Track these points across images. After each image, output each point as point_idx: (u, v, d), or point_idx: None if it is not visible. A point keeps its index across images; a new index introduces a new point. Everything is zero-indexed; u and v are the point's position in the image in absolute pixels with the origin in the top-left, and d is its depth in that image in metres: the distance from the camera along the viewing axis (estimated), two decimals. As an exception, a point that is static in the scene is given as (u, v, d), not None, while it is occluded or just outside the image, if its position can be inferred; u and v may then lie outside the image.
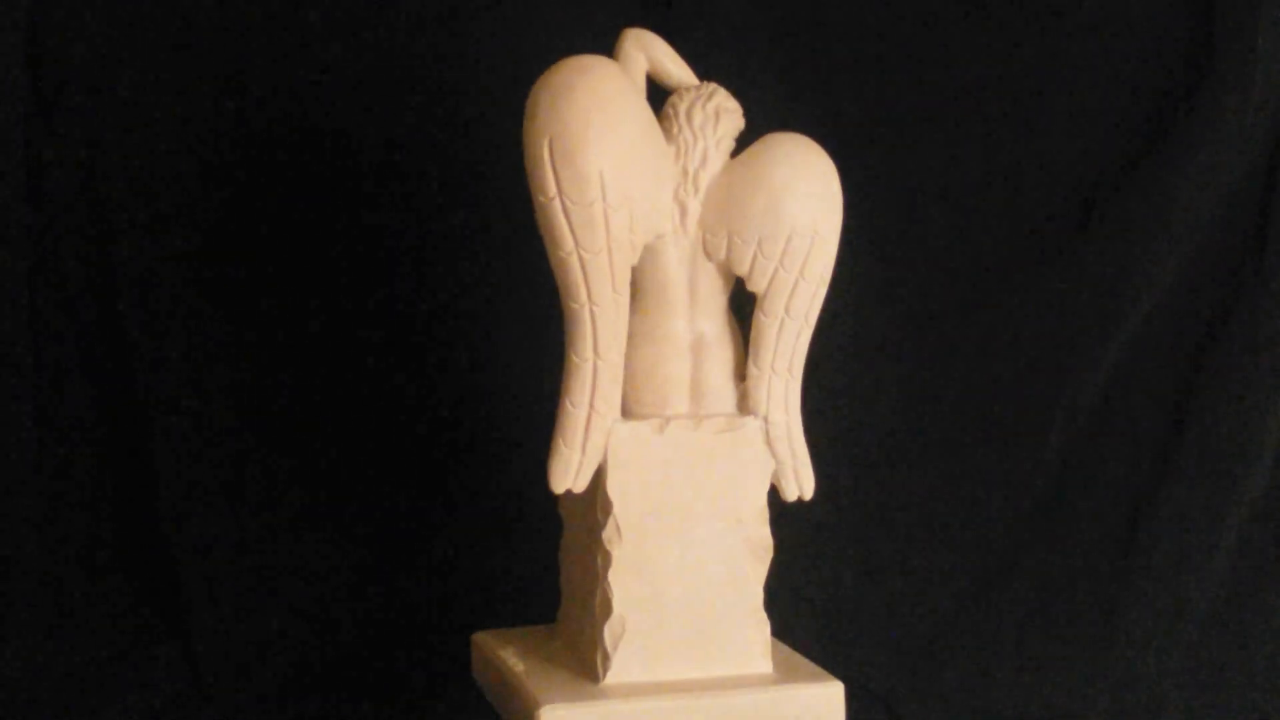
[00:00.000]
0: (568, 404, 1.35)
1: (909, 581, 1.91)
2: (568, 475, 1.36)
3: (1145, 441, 1.90)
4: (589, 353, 1.34)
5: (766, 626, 1.41)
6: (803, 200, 1.38)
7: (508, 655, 1.49)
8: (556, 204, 1.29)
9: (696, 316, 1.42)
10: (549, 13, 1.85)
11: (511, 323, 1.87)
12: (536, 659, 1.47)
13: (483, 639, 1.57)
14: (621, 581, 1.37)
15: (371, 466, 1.89)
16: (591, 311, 1.32)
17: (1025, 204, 1.90)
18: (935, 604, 1.90)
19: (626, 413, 1.41)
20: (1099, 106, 1.88)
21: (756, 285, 1.39)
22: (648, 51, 1.45)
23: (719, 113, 1.42)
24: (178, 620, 1.84)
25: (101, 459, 1.86)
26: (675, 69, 1.46)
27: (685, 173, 1.40)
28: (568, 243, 1.29)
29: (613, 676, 1.36)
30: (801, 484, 1.44)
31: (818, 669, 1.43)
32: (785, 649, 1.49)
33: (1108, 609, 1.87)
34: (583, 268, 1.31)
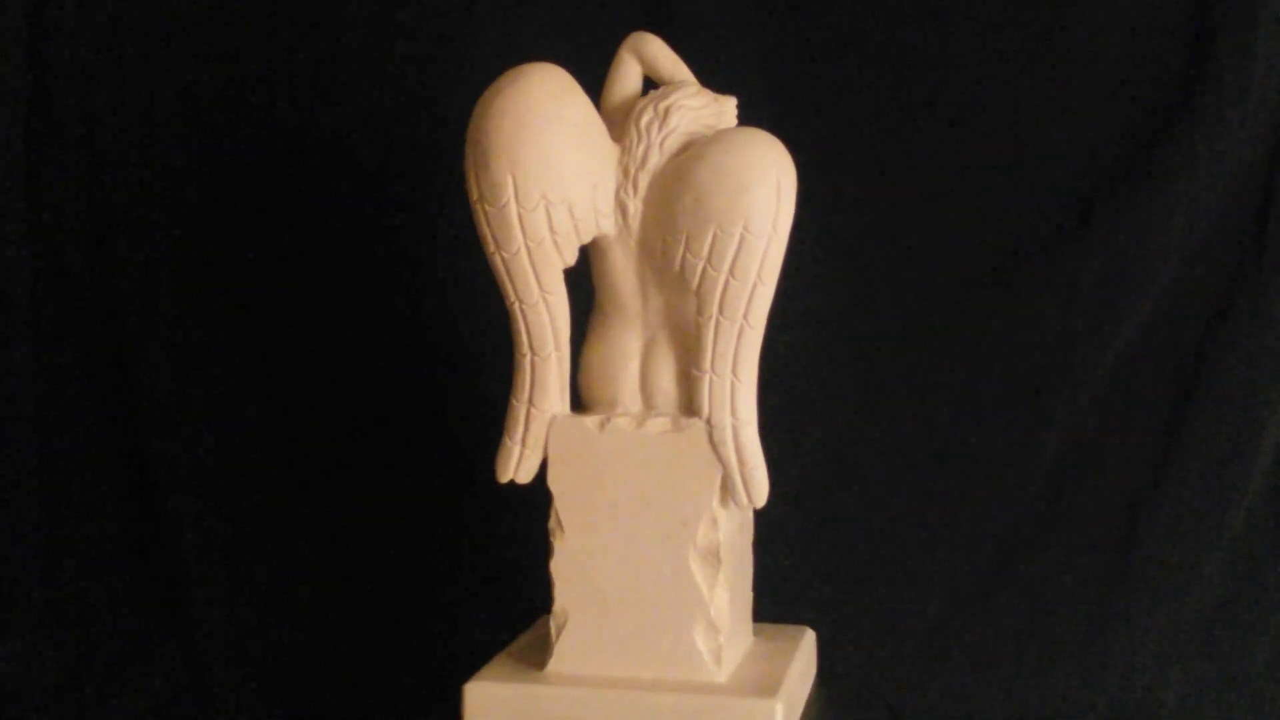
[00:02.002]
0: (511, 399, 1.46)
1: (908, 581, 1.92)
2: (509, 467, 1.47)
3: (1144, 442, 1.90)
4: (526, 349, 1.45)
5: (718, 633, 1.43)
6: (729, 196, 1.39)
7: (521, 637, 1.59)
8: (479, 208, 1.41)
9: (650, 316, 1.47)
10: (551, 14, 1.91)
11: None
12: (531, 643, 1.56)
13: (540, 621, 1.64)
14: (563, 574, 1.45)
15: (373, 465, 1.95)
16: (521, 310, 1.43)
17: (1023, 204, 1.91)
18: (935, 604, 1.91)
19: (584, 409, 1.50)
20: (1098, 106, 1.89)
21: (689, 284, 1.41)
22: (641, 54, 1.51)
23: (669, 111, 1.45)
24: (178, 620, 1.90)
25: (101, 459, 1.94)
26: (668, 70, 1.51)
27: (626, 173, 1.45)
28: (490, 244, 1.41)
29: (553, 666, 1.45)
30: (750, 492, 1.43)
31: (773, 683, 1.44)
32: (769, 657, 1.53)
33: (1107, 609, 1.88)
34: (505, 267, 1.42)
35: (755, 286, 1.39)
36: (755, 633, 1.62)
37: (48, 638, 1.88)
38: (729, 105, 1.51)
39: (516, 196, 1.39)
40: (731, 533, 1.47)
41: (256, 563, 1.94)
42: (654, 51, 1.51)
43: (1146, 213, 1.86)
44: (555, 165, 1.40)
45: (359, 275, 1.94)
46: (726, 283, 1.39)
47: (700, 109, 1.46)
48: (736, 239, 1.38)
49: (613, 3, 1.89)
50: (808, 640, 1.65)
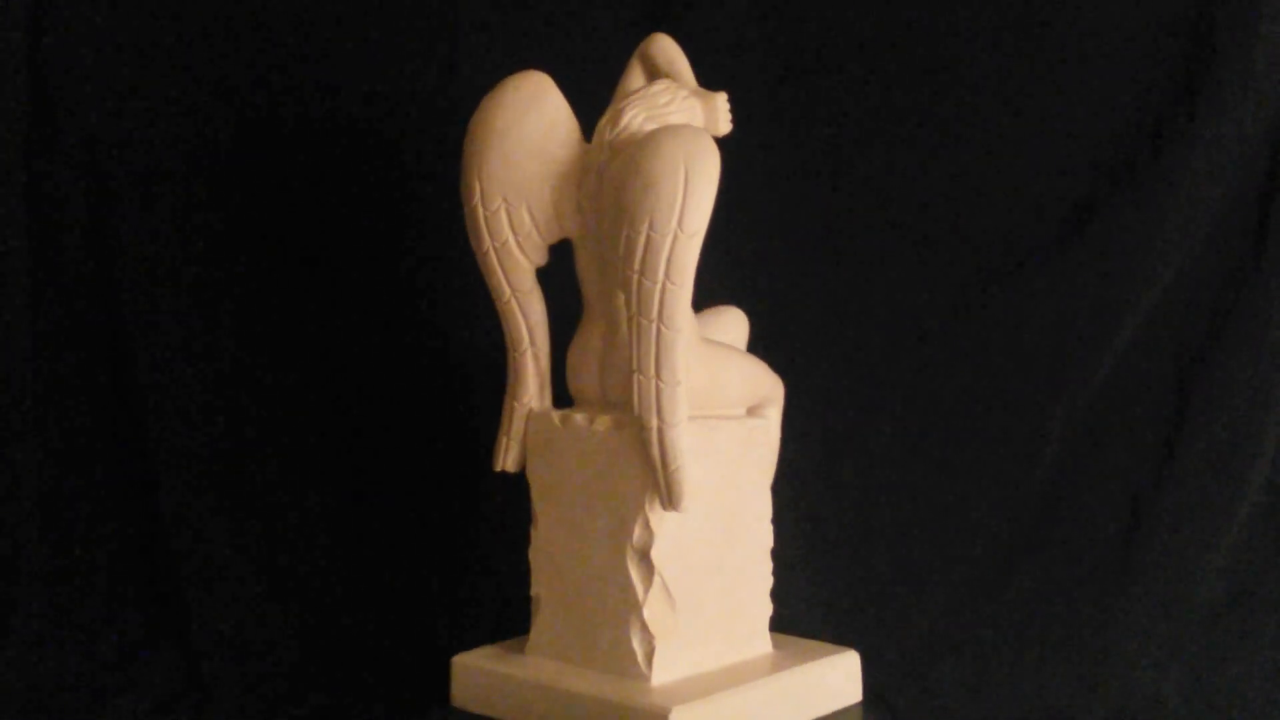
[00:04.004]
0: (506, 393, 1.61)
1: (909, 582, 1.96)
2: (499, 456, 1.60)
3: (1145, 441, 1.97)
4: (508, 344, 1.58)
5: (652, 637, 1.47)
6: (636, 194, 1.42)
7: None
8: (464, 211, 1.56)
9: (610, 314, 1.54)
10: (555, 16, 1.99)
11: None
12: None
13: None
14: (537, 560, 1.57)
15: (373, 466, 2.00)
16: (499, 308, 1.57)
17: (1024, 204, 1.98)
18: (935, 604, 1.95)
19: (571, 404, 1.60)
20: (1099, 108, 1.96)
21: (617, 284, 1.46)
22: (644, 54, 1.60)
23: (622, 111, 1.52)
24: (178, 620, 1.93)
25: (101, 458, 1.97)
26: (663, 69, 1.59)
27: (584, 174, 1.53)
28: (472, 244, 1.55)
29: (531, 648, 1.58)
30: (669, 494, 1.43)
31: (691, 695, 1.45)
32: (745, 671, 1.54)
33: (1107, 609, 1.94)
34: (483, 267, 1.55)
35: (664, 286, 1.41)
36: (779, 645, 1.64)
37: (48, 638, 1.92)
38: (714, 102, 1.55)
39: (482, 199, 1.53)
40: (679, 537, 1.49)
41: (256, 562, 1.98)
42: (653, 51, 1.60)
43: (1146, 214, 1.93)
44: (514, 170, 1.53)
45: (358, 275, 2.01)
46: (640, 282, 1.42)
47: (663, 107, 1.52)
48: (644, 237, 1.41)
49: (616, 4, 1.97)
50: (831, 663, 1.63)
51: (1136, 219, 1.94)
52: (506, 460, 1.60)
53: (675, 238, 1.40)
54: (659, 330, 1.42)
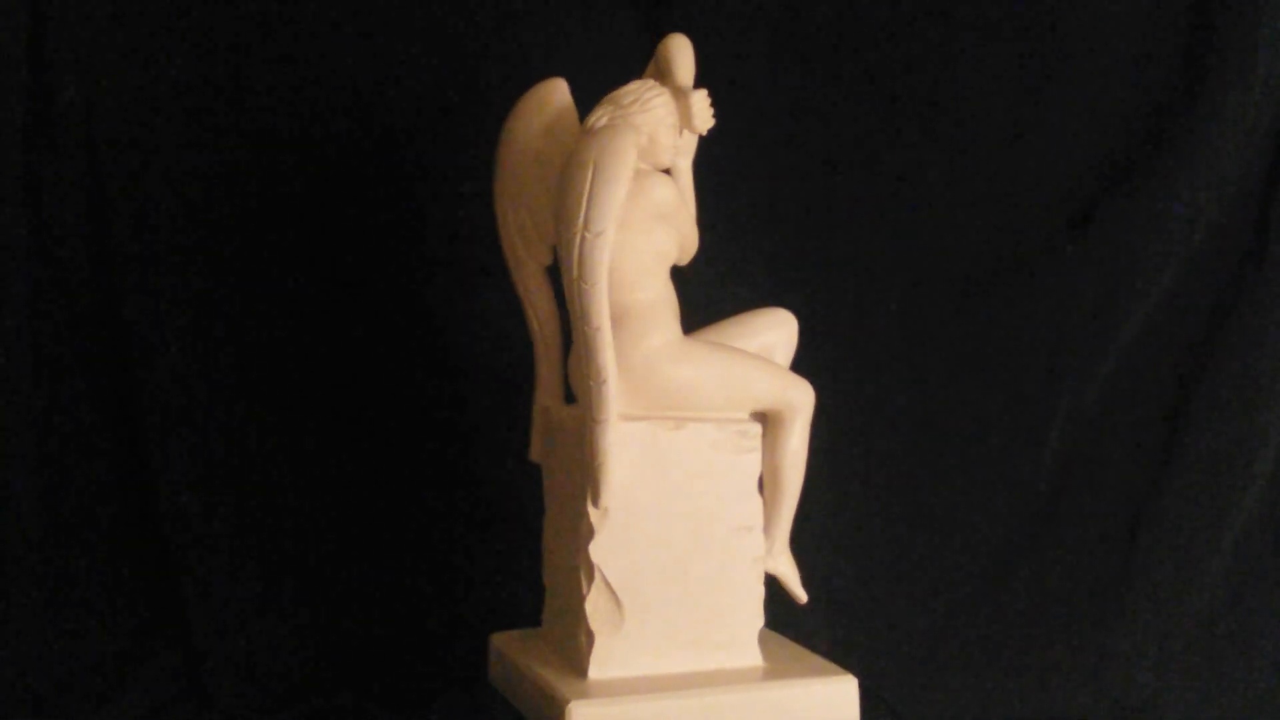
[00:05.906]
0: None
1: (909, 582, 1.99)
2: (530, 446, 1.68)
3: (1145, 443, 1.97)
4: (531, 339, 1.68)
5: (591, 633, 1.49)
6: (557, 196, 1.48)
7: None
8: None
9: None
10: (555, 17, 2.02)
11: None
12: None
13: None
14: (545, 548, 1.65)
15: (374, 466, 2.00)
16: (520, 305, 1.65)
17: (1024, 204, 1.98)
18: (936, 604, 1.98)
19: None
20: (1099, 109, 1.96)
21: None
22: (656, 58, 1.64)
23: (590, 114, 1.53)
24: (178, 620, 1.95)
25: (101, 458, 1.98)
26: (660, 69, 1.62)
27: None
28: None
29: (544, 628, 1.67)
30: (590, 492, 1.46)
31: (610, 695, 1.46)
32: (702, 682, 1.51)
33: (1108, 610, 1.95)
34: (505, 266, 1.65)
35: (579, 285, 1.44)
36: (776, 659, 1.61)
37: (48, 638, 1.93)
38: (689, 100, 1.56)
39: (496, 202, 1.64)
40: (626, 536, 1.51)
41: (257, 563, 1.99)
42: (658, 53, 1.62)
43: (1147, 215, 1.94)
44: (518, 172, 1.63)
45: (363, 274, 2.01)
46: (566, 282, 1.47)
47: (626, 107, 1.52)
48: (563, 238, 1.47)
49: (610, 6, 2.00)
50: (810, 685, 1.56)
51: (1136, 219, 1.94)
52: (532, 450, 1.68)
53: (583, 238, 1.44)
54: (582, 329, 1.46)
